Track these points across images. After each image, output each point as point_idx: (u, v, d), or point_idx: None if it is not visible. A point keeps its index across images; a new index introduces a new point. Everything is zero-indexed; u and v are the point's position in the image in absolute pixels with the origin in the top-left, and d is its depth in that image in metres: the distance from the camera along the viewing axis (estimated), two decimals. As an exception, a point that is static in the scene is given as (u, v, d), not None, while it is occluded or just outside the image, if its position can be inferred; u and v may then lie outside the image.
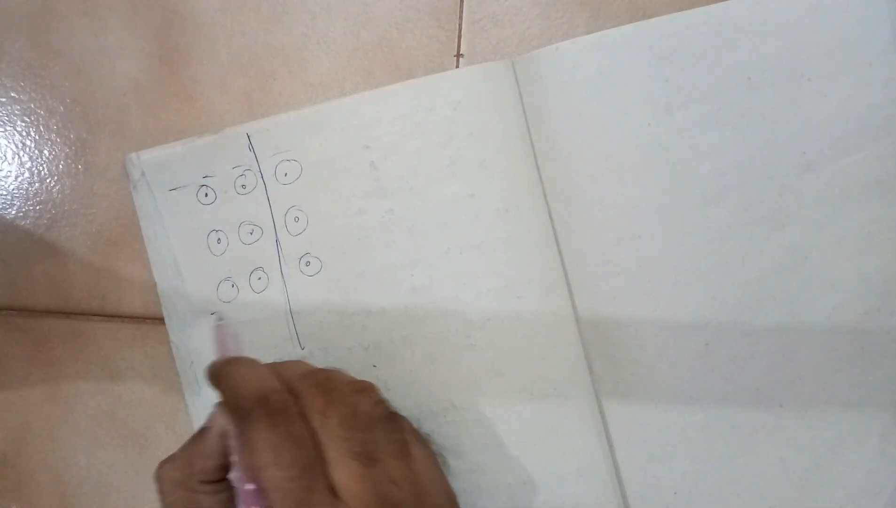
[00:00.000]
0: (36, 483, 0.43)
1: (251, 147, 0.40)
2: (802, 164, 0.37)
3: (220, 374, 0.33)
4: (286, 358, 0.40)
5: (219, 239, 0.40)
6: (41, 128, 0.43)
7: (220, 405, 0.34)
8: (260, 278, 0.40)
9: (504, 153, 0.40)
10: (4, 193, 0.43)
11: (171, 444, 0.42)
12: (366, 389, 0.33)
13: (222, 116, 0.42)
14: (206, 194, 0.40)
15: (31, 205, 0.43)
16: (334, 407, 0.31)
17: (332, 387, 0.33)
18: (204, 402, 0.41)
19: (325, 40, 0.42)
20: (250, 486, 0.30)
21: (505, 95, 0.40)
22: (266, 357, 0.40)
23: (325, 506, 0.29)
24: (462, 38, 0.42)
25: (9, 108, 0.43)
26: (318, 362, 0.40)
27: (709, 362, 0.38)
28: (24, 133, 0.43)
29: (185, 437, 0.42)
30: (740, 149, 0.37)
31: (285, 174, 0.40)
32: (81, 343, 0.42)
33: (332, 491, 0.29)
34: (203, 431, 0.34)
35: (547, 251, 0.40)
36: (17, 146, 0.43)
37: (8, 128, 0.43)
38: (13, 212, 0.43)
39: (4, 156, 0.43)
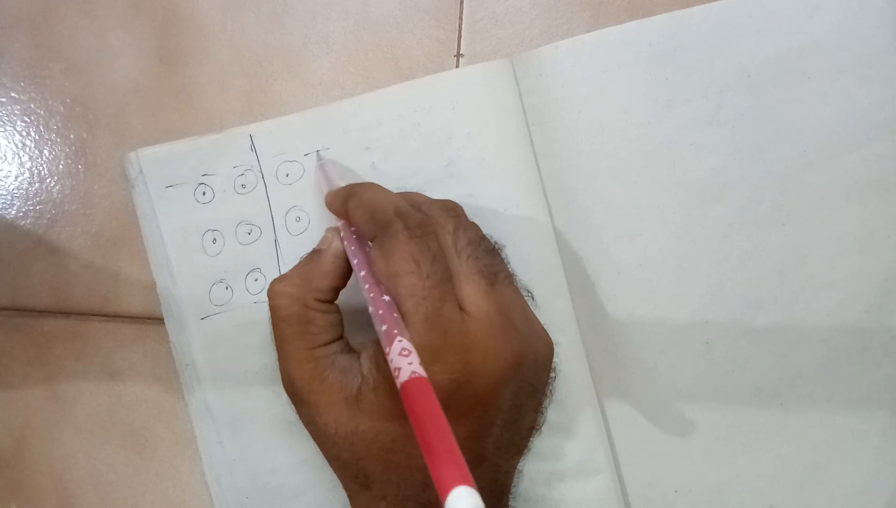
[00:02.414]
0: (36, 483, 0.43)
1: (253, 147, 0.40)
2: (803, 162, 0.37)
3: (350, 194, 0.35)
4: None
5: (214, 239, 0.40)
6: (41, 128, 0.43)
7: (335, 228, 0.36)
8: (257, 280, 0.40)
9: (503, 153, 0.40)
10: (4, 193, 0.43)
11: (171, 444, 0.42)
12: (477, 225, 0.36)
13: (222, 116, 0.42)
14: (204, 193, 0.40)
15: (31, 205, 0.43)
16: (463, 230, 0.34)
17: (459, 213, 0.36)
18: (203, 403, 0.41)
19: (325, 40, 0.42)
20: (386, 297, 0.32)
21: (504, 95, 0.40)
22: (263, 360, 0.40)
23: (456, 315, 0.31)
24: (462, 38, 0.42)
25: (9, 108, 0.43)
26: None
27: (709, 360, 0.38)
28: (24, 133, 0.43)
29: (186, 437, 0.42)
30: (740, 147, 0.38)
31: (286, 175, 0.40)
32: (81, 343, 0.42)
33: (459, 304, 0.32)
34: (317, 252, 0.36)
35: (547, 251, 0.40)
36: (17, 146, 0.43)
37: (8, 128, 0.43)
38: (13, 212, 0.43)
39: (4, 156, 0.43)
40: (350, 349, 0.35)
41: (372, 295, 0.32)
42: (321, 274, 0.35)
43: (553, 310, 0.39)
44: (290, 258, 0.40)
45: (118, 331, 0.42)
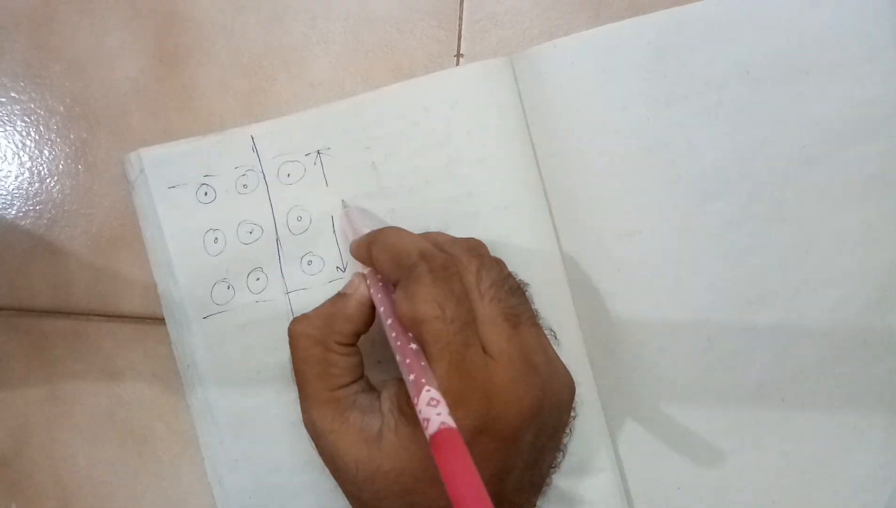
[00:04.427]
0: (36, 483, 0.42)
1: (254, 148, 0.40)
2: (802, 158, 0.37)
3: (374, 239, 0.35)
4: (286, 360, 0.40)
5: (216, 239, 0.40)
6: (41, 128, 0.43)
7: (362, 274, 0.36)
8: (259, 279, 0.40)
9: (503, 151, 0.40)
10: (4, 193, 0.43)
11: (171, 444, 0.42)
12: (502, 261, 0.36)
13: (222, 116, 0.42)
14: (206, 193, 0.40)
15: (31, 205, 0.43)
16: (486, 271, 0.34)
17: (482, 252, 0.35)
18: (205, 402, 0.40)
19: (325, 40, 0.42)
20: (413, 345, 0.32)
21: (503, 92, 0.40)
22: (265, 359, 0.40)
23: (479, 360, 0.31)
24: (462, 39, 0.42)
25: (9, 108, 0.43)
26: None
27: (710, 357, 0.38)
28: (24, 133, 0.43)
29: (186, 437, 0.42)
30: (740, 144, 0.38)
31: (288, 175, 0.40)
32: (81, 343, 0.42)
33: (482, 347, 0.31)
34: (342, 296, 0.36)
35: (547, 248, 0.40)
36: (17, 146, 0.43)
37: (8, 128, 0.43)
38: (13, 212, 0.42)
39: (4, 156, 0.43)
40: (371, 388, 0.35)
41: (399, 344, 0.32)
42: (344, 318, 0.35)
43: (554, 308, 0.39)
44: (292, 258, 0.40)
45: (118, 331, 0.42)
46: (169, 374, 0.42)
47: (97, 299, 0.42)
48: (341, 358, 0.35)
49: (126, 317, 0.42)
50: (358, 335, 0.36)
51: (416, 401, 0.29)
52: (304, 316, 0.36)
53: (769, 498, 0.39)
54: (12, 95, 0.43)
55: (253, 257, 0.40)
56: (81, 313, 0.42)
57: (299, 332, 0.35)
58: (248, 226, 0.40)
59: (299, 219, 0.40)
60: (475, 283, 0.33)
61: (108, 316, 0.42)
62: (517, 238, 0.39)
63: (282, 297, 0.40)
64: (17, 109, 0.43)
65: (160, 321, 0.41)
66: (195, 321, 0.40)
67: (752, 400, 0.39)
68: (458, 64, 0.42)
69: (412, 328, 0.31)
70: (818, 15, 0.37)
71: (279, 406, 0.40)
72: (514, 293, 0.34)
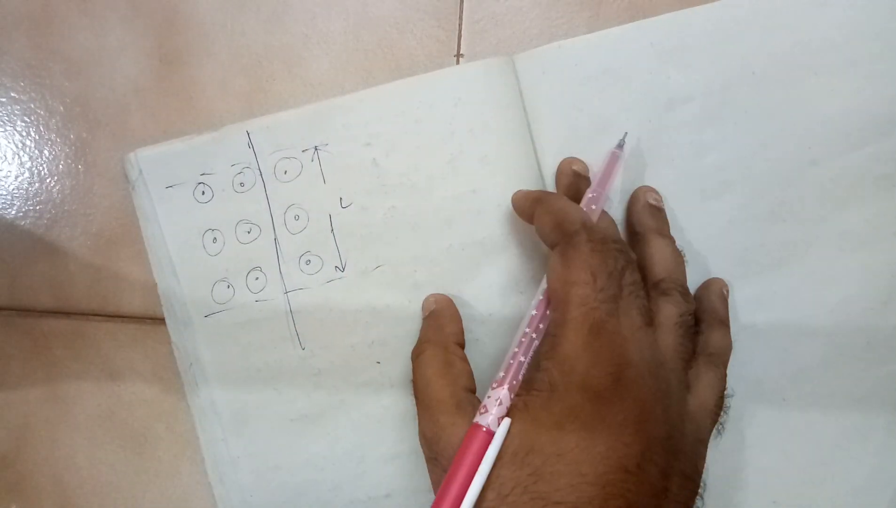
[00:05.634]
0: (36, 483, 0.42)
1: (250, 144, 0.40)
2: (807, 159, 0.37)
3: (540, 199, 0.36)
4: (286, 359, 0.40)
5: (215, 238, 0.40)
6: (41, 128, 0.43)
7: (432, 295, 0.39)
8: (258, 278, 0.40)
9: (505, 149, 0.40)
10: (4, 193, 0.43)
11: (171, 444, 0.42)
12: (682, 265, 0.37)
13: (222, 116, 0.42)
14: (204, 192, 0.40)
15: (31, 205, 0.43)
16: (630, 271, 0.33)
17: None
18: (209, 400, 0.40)
19: (325, 40, 0.42)
20: (534, 336, 0.34)
21: (505, 91, 0.40)
22: (265, 358, 0.40)
23: (617, 330, 0.31)
24: (462, 39, 0.42)
25: (9, 108, 0.43)
26: (320, 361, 0.40)
27: (711, 356, 0.38)
28: (24, 133, 0.43)
29: (186, 437, 0.42)
30: (742, 144, 0.38)
31: (285, 172, 0.40)
32: (81, 343, 0.42)
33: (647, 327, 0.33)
34: (432, 314, 0.39)
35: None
36: (17, 146, 0.43)
37: (8, 128, 0.43)
38: (13, 212, 0.43)
39: (4, 156, 0.43)
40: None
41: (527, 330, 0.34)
42: (450, 318, 0.38)
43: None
44: (290, 257, 0.40)
45: (118, 331, 0.42)
46: (169, 374, 0.42)
47: (97, 299, 0.42)
48: (461, 362, 0.36)
49: (126, 317, 0.42)
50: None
51: (494, 385, 0.32)
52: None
53: (769, 498, 0.39)
54: (12, 95, 0.43)
55: (251, 256, 0.40)
56: (81, 313, 0.42)
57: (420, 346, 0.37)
58: (246, 225, 0.40)
59: (297, 218, 0.40)
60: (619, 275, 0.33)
61: (108, 316, 0.42)
62: (519, 236, 0.39)
63: (280, 296, 0.40)
64: (17, 109, 0.43)
65: (160, 320, 0.41)
66: (197, 320, 0.40)
67: (754, 400, 0.38)
68: (458, 64, 0.42)
69: (561, 290, 0.32)
70: (826, 15, 0.36)
71: (279, 405, 0.40)
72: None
